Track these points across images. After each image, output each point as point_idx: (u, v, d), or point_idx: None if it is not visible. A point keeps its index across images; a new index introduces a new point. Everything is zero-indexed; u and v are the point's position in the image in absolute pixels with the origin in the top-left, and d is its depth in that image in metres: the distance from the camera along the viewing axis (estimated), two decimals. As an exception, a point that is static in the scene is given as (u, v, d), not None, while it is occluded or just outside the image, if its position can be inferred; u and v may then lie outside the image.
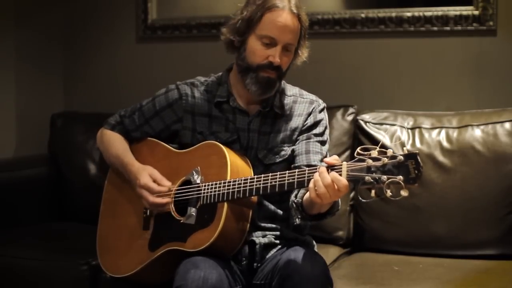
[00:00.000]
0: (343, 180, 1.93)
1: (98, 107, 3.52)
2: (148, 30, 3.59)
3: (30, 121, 3.63)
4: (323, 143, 2.34)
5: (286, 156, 2.32)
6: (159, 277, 2.25)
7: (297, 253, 2.12)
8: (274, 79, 2.27)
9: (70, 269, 2.70)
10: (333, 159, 2.00)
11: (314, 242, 2.43)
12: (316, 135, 2.33)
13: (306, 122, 2.34)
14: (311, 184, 1.98)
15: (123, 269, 2.33)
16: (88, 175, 3.30)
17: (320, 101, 2.41)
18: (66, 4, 3.73)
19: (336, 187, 1.93)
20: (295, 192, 2.19)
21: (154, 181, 2.28)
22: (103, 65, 3.70)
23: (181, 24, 3.51)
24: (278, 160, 2.31)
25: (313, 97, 2.41)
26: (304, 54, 2.34)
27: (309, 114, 2.35)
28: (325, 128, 2.37)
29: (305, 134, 2.33)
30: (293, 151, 2.32)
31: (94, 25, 3.71)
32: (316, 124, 2.35)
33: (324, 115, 2.39)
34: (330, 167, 1.97)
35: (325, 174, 1.96)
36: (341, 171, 1.94)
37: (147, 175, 2.29)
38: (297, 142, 2.33)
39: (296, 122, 2.35)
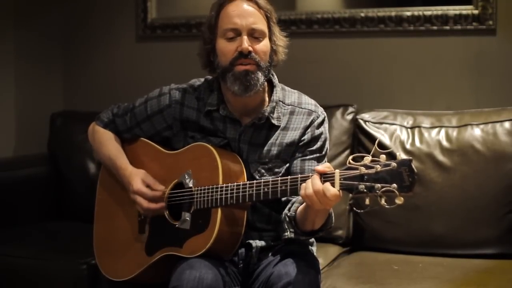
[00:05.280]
0: (332, 189, 1.90)
1: (97, 106, 3.48)
2: (147, 29, 3.58)
3: (29, 120, 3.63)
4: (320, 158, 2.24)
5: (280, 174, 2.23)
6: (159, 278, 2.25)
7: (288, 268, 2.07)
8: (253, 71, 2.15)
9: (70, 268, 2.71)
10: (325, 166, 1.97)
11: (315, 242, 2.38)
12: (312, 151, 2.24)
13: (303, 138, 2.24)
14: (301, 190, 1.96)
15: (121, 273, 2.32)
16: (88, 174, 3.29)
17: (320, 110, 2.28)
18: (66, 4, 3.73)
19: (325, 194, 1.90)
20: (289, 205, 2.17)
21: (148, 186, 2.25)
22: (103, 64, 3.70)
23: (180, 23, 3.51)
24: (271, 178, 2.21)
25: (312, 106, 2.28)
26: (281, 42, 2.24)
27: (307, 128, 2.24)
28: (324, 141, 2.27)
29: (302, 151, 2.24)
30: (287, 168, 2.25)
31: (94, 24, 3.70)
32: (314, 139, 2.24)
33: (323, 128, 2.27)
34: (323, 175, 1.94)
35: (316, 180, 1.93)
36: (333, 179, 1.91)
37: (140, 180, 2.25)
38: (293, 158, 2.24)
39: (292, 136, 2.24)
